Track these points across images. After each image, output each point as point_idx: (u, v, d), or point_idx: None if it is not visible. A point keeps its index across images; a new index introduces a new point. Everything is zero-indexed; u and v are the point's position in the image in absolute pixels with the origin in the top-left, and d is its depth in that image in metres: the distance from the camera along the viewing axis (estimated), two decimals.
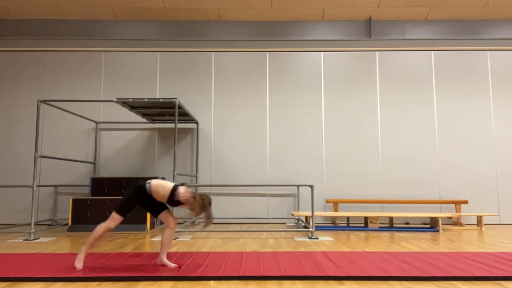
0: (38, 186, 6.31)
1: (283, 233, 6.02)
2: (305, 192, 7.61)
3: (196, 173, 7.63)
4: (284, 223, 7.41)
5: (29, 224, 7.21)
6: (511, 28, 8.22)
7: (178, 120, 7.31)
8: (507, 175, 7.63)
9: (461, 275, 3.12)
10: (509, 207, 7.55)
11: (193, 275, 3.12)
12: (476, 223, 7.19)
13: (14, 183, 7.55)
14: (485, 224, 7.16)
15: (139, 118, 7.60)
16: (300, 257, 3.89)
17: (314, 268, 3.38)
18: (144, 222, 6.28)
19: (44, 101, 5.88)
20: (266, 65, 8.00)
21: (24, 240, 5.39)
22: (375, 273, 3.18)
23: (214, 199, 7.58)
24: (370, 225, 6.57)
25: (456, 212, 7.29)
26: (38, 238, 5.51)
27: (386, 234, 5.97)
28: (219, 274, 3.13)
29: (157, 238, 5.45)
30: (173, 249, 4.49)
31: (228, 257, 3.89)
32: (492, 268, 3.35)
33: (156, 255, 4.00)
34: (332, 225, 7.14)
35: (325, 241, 5.22)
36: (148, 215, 6.29)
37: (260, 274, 3.13)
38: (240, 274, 3.13)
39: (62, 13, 8.08)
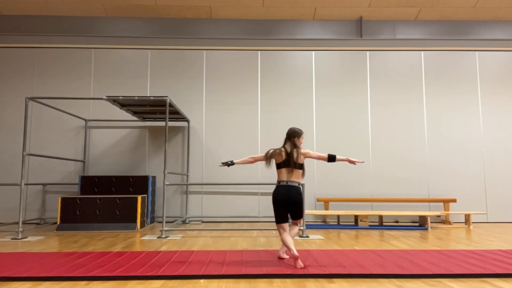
0: (26, 184, 6.22)
1: (274, 231, 6.03)
2: None
3: (187, 172, 7.59)
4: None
5: (17, 223, 7.10)
6: (500, 29, 8.34)
7: (169, 118, 7.26)
8: (494, 174, 7.74)
9: (449, 272, 3.16)
10: (496, 205, 7.66)
11: (184, 273, 3.11)
12: (464, 221, 7.29)
13: (1, 181, 7.43)
14: (472, 222, 7.26)
15: (129, 116, 7.54)
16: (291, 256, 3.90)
17: (304, 266, 3.39)
18: (134, 221, 6.24)
19: (32, 98, 5.80)
20: (257, 63, 7.99)
21: (12, 239, 5.32)
22: (364, 271, 3.20)
23: (205, 198, 7.59)
24: (360, 224, 6.62)
25: (445, 210, 7.39)
26: (26, 237, 5.44)
27: (376, 232, 6.02)
28: (209, 273, 3.13)
29: (147, 237, 5.42)
30: (163, 248, 4.47)
31: (219, 256, 3.89)
32: (479, 266, 3.40)
33: (153, 253, 3.98)
34: (322, 224, 7.18)
35: (316, 239, 5.25)
36: (139, 213, 6.24)
37: (250, 273, 3.14)
38: (230, 273, 3.13)
39: (51, 9, 7.97)
